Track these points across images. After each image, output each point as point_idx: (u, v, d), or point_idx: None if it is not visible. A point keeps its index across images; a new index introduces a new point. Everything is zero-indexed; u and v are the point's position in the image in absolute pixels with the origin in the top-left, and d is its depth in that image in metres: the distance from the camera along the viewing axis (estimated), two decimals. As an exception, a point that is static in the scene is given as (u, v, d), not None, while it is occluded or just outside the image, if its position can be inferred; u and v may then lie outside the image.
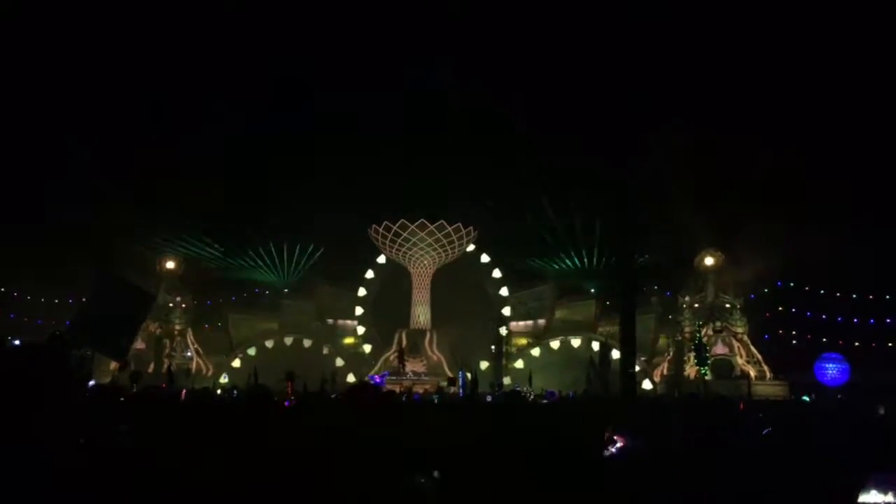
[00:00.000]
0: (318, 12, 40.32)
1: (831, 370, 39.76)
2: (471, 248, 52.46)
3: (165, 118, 41.44)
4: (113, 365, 38.03)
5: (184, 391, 21.70)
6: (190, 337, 50.01)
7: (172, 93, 41.38)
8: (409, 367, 43.80)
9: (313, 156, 44.03)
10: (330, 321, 54.08)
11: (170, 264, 49.26)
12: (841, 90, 36.89)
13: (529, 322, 53.10)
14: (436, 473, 3.50)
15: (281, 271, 53.80)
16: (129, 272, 28.50)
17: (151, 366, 43.98)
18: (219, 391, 22.38)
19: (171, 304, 48.69)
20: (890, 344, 45.56)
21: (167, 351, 47.69)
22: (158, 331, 47.53)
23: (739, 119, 39.00)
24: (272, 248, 52.83)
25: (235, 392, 24.15)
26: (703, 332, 44.02)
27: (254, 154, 44.73)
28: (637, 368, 32.37)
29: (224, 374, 48.59)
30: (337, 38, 42.67)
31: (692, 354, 43.41)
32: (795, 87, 38.12)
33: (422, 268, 51.23)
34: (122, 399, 8.29)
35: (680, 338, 46.57)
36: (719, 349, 44.94)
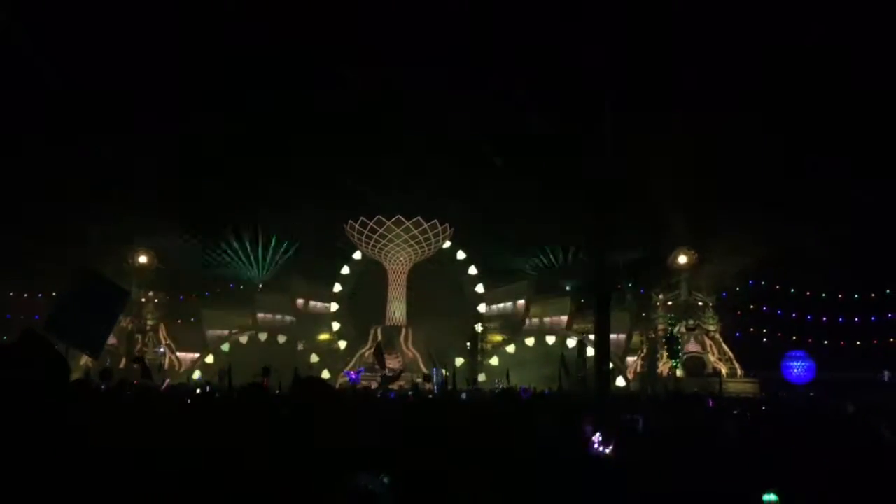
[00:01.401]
0: (296, 11, 40.04)
1: (797, 368, 40.55)
2: (447, 244, 52.51)
3: (139, 114, 40.90)
4: (83, 360, 37.56)
5: (166, 382, 21.40)
6: (162, 332, 49.51)
7: (146, 88, 40.89)
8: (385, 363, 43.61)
9: (289, 152, 43.78)
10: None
11: (142, 259, 48.67)
12: (819, 88, 37.32)
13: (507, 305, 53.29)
14: (385, 479, 3.40)
15: (256, 266, 53.61)
16: (102, 267, 28.13)
17: (123, 361, 43.47)
18: (197, 390, 22.13)
19: (143, 299, 48.13)
20: (858, 342, 46.40)
21: (139, 346, 47.15)
22: (130, 326, 46.99)
23: (713, 117, 39.36)
24: (247, 243, 52.65)
25: (208, 387, 23.89)
26: (676, 330, 44.52)
27: (229, 150, 44.36)
28: (611, 366, 32.58)
29: (196, 371, 48.14)
30: (311, 35, 42.41)
31: (665, 351, 43.91)
32: (773, 83, 38.54)
33: (398, 264, 51.20)
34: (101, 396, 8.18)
35: (654, 335, 47.03)
36: (692, 347, 45.49)
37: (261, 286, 53.72)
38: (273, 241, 52.88)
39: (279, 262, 53.72)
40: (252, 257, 53.30)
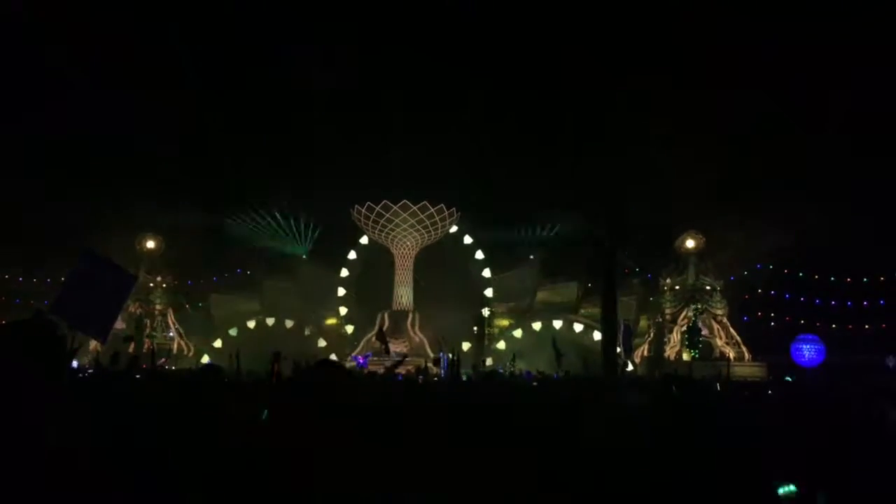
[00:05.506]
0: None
1: (807, 351, 40.32)
2: (454, 229, 52.42)
3: (138, 89, 40.68)
4: (93, 345, 37.79)
5: (163, 360, 21.40)
6: (171, 317, 49.70)
7: (145, 62, 40.73)
8: (391, 347, 43.66)
9: (294, 135, 43.71)
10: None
11: (150, 244, 48.84)
12: (830, 69, 36.90)
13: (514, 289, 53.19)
14: None
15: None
16: (110, 252, 28.18)
17: (132, 346, 43.64)
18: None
19: (151, 284, 48.30)
20: (867, 326, 46.24)
21: (148, 331, 47.37)
22: (139, 311, 47.19)
23: (723, 98, 39.00)
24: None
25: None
26: (683, 314, 44.44)
27: (232, 135, 44.26)
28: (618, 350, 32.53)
29: (205, 355, 48.33)
30: (314, 13, 42.22)
31: (672, 336, 43.94)
32: (782, 63, 38.15)
33: (404, 249, 51.16)
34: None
35: (660, 319, 46.95)
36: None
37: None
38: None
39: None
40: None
